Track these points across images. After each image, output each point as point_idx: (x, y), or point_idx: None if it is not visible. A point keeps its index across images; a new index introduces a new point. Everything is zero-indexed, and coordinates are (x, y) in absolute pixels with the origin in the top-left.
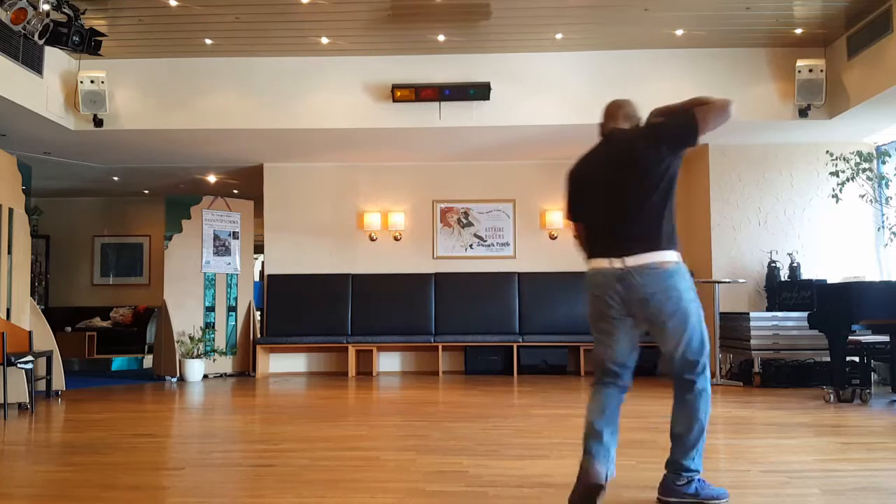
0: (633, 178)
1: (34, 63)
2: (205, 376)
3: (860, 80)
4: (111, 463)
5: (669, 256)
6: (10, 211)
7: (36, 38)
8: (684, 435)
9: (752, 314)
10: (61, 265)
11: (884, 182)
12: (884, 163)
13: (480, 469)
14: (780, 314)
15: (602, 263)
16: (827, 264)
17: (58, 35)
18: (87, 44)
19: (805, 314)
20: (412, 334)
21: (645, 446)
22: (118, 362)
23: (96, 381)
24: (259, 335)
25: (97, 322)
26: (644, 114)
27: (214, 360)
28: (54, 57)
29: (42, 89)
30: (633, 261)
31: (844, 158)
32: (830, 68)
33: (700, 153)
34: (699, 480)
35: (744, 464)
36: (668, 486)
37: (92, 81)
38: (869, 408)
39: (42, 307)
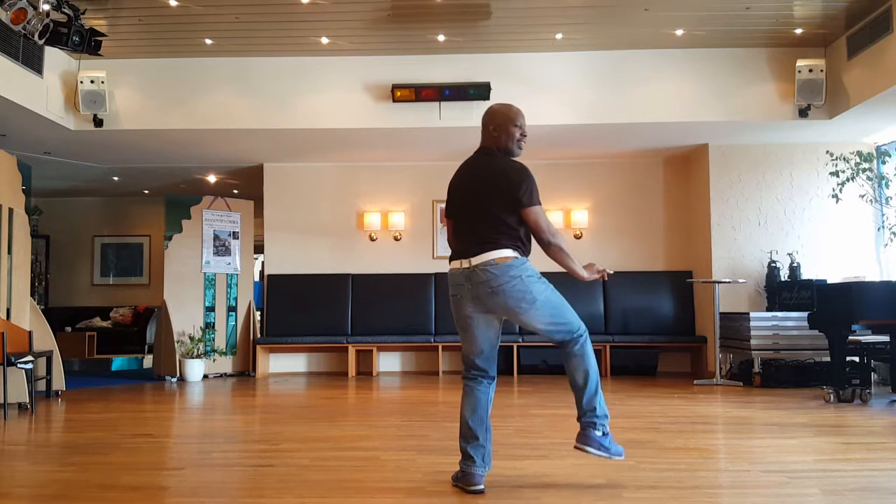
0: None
1: (34, 63)
2: (205, 376)
3: (860, 80)
4: (111, 463)
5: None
6: (10, 211)
7: (36, 38)
8: (584, 385)
9: (752, 314)
10: (61, 265)
11: (884, 182)
12: (884, 163)
13: None
14: (780, 314)
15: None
16: (827, 264)
17: (58, 35)
18: (87, 44)
19: (805, 314)
20: (412, 334)
21: (645, 446)
22: (118, 362)
23: (96, 381)
24: (259, 335)
25: (97, 322)
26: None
27: (214, 360)
28: (54, 57)
29: (42, 89)
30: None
31: (844, 158)
32: (830, 68)
33: (700, 153)
34: (606, 428)
35: (744, 464)
36: (584, 435)
37: (92, 81)
38: (869, 408)
39: (42, 307)
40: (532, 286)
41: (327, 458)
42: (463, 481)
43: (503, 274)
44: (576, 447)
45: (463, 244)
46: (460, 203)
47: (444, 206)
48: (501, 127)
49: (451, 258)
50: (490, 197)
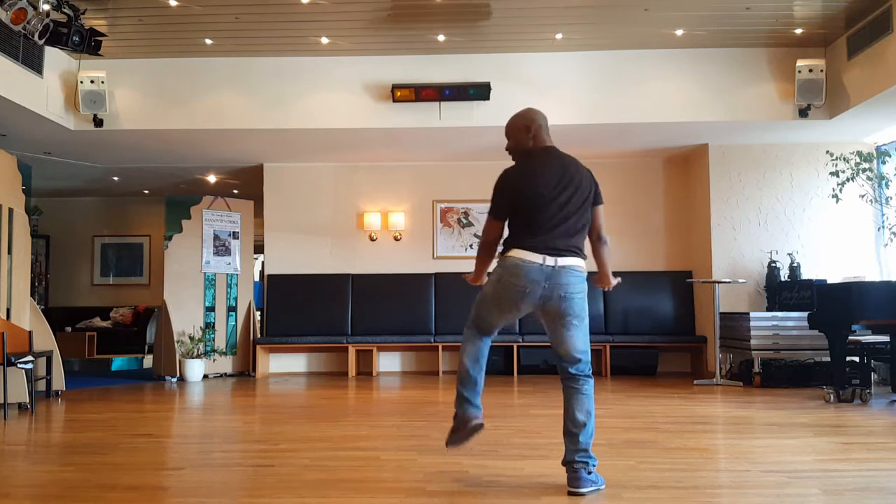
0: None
1: (34, 63)
2: (205, 376)
3: (860, 80)
4: (111, 463)
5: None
6: (10, 211)
7: (36, 38)
8: (585, 423)
9: (752, 314)
10: (61, 265)
11: (884, 182)
12: (884, 163)
13: (480, 469)
14: (780, 314)
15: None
16: (827, 264)
17: (58, 35)
18: (87, 44)
19: (805, 314)
20: (412, 334)
21: (645, 446)
22: (118, 362)
23: (96, 381)
24: (259, 335)
25: (97, 322)
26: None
27: (214, 360)
28: (54, 57)
29: (42, 89)
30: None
31: (844, 158)
32: (830, 68)
33: (700, 153)
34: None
35: (744, 464)
36: (576, 479)
37: (92, 81)
38: (869, 408)
39: (42, 307)
40: (585, 304)
41: (327, 458)
42: (463, 421)
43: (579, 282)
44: (570, 493)
45: (546, 239)
46: (550, 195)
47: (446, 204)
48: None
49: (525, 247)
50: (583, 195)
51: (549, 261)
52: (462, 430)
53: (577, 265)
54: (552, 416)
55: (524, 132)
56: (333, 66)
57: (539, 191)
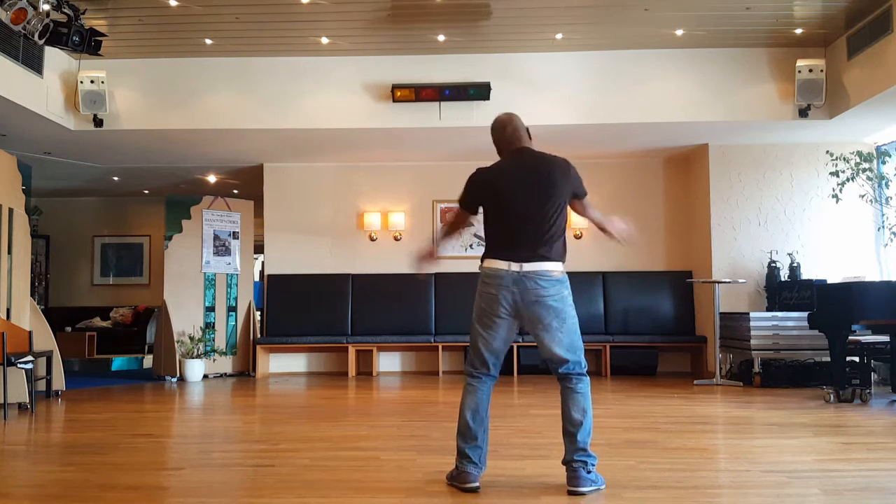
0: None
1: (34, 63)
2: (205, 376)
3: (860, 80)
4: (111, 463)
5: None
6: (10, 211)
7: (36, 38)
8: (581, 422)
9: (752, 314)
10: (61, 265)
11: (884, 182)
12: (884, 163)
13: None
14: (780, 314)
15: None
16: (827, 264)
17: (58, 35)
18: (87, 44)
19: (805, 314)
20: (412, 334)
21: (645, 446)
22: (118, 362)
23: (96, 381)
24: (259, 335)
25: (97, 322)
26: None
27: (214, 360)
28: (54, 57)
29: (42, 89)
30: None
31: (844, 158)
32: (830, 68)
33: (700, 153)
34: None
35: (744, 464)
36: (576, 478)
37: (92, 81)
38: (869, 408)
39: (42, 307)
40: (568, 306)
41: (327, 458)
42: (458, 479)
43: (551, 287)
44: (570, 492)
45: (514, 245)
46: (511, 198)
47: (446, 204)
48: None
49: (494, 256)
50: (555, 194)
51: (514, 266)
52: (457, 485)
53: (547, 269)
54: (552, 416)
55: (499, 135)
56: (333, 66)
57: (503, 193)
